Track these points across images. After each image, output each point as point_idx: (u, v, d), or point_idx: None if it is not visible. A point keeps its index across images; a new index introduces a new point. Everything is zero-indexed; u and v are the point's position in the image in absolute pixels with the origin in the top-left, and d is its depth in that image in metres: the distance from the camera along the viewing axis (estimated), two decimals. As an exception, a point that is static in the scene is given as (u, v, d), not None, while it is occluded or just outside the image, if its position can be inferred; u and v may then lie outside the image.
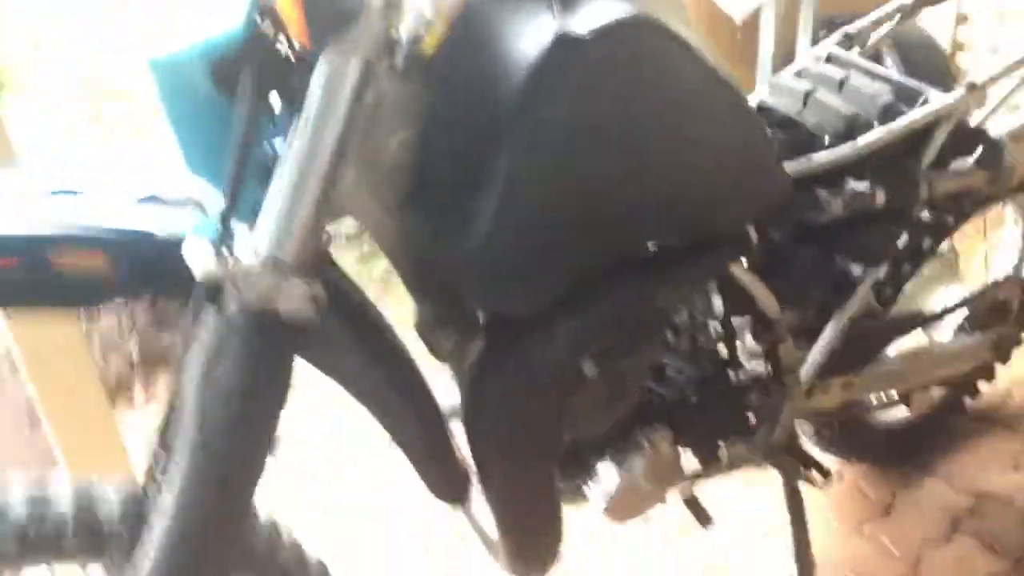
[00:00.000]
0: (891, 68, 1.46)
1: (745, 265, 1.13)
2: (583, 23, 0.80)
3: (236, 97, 0.72)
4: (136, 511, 0.87)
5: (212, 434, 0.77)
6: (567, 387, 1.00)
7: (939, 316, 1.47)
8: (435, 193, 0.87)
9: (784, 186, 1.07)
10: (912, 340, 1.50)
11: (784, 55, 1.69)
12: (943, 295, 1.62)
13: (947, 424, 1.75)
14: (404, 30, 0.69)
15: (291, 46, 0.71)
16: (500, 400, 0.97)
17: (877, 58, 1.49)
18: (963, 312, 1.52)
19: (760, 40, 2.89)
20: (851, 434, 1.62)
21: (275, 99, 0.74)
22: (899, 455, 1.70)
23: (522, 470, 1.02)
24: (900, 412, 1.66)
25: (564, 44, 0.79)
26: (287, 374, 0.80)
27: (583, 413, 1.05)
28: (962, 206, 1.35)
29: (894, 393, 1.52)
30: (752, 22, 2.79)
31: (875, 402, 1.57)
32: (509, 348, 0.94)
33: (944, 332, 1.62)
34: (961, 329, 1.56)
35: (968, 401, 1.74)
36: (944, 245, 1.45)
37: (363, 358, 0.91)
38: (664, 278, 1.00)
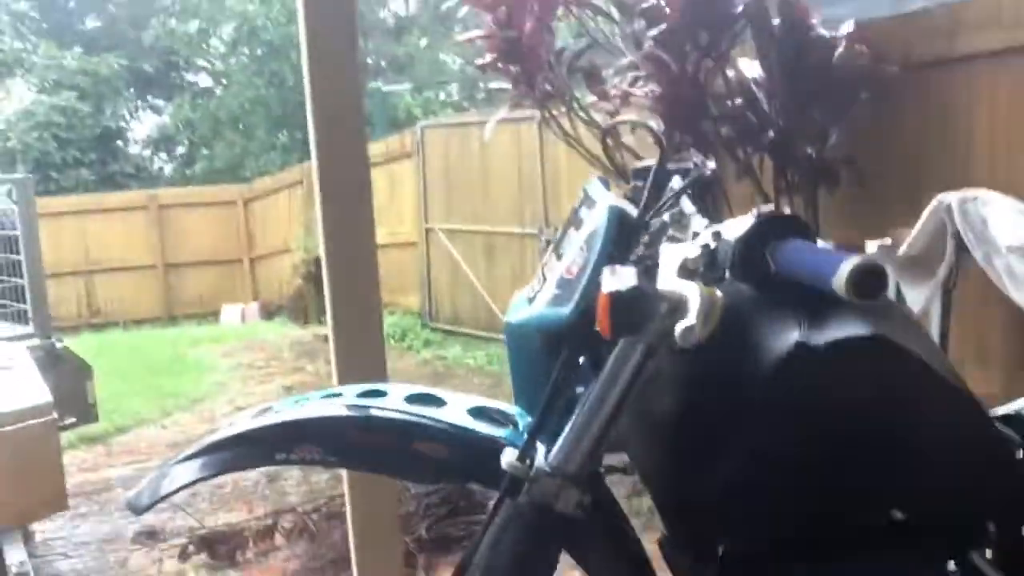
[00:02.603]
0: None
1: (990, 558, 1.19)
2: (823, 336, 0.99)
3: (557, 357, 1.03)
4: None
5: None
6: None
7: None
8: (691, 443, 1.10)
9: (1022, 489, 1.15)
10: None
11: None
12: None
13: None
14: (680, 327, 0.94)
15: (599, 331, 1.00)
16: None
17: None
18: None
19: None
20: None
21: (583, 361, 1.05)
22: None
23: None
24: None
25: (802, 351, 0.99)
26: (554, 558, 1.07)
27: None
28: None
29: None
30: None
31: None
32: None
33: None
34: None
35: None
36: None
37: (613, 561, 1.15)
38: (896, 550, 1.11)
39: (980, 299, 3.10)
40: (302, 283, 9.21)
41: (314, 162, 1.96)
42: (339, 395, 1.21)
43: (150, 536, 3.44)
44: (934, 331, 3.03)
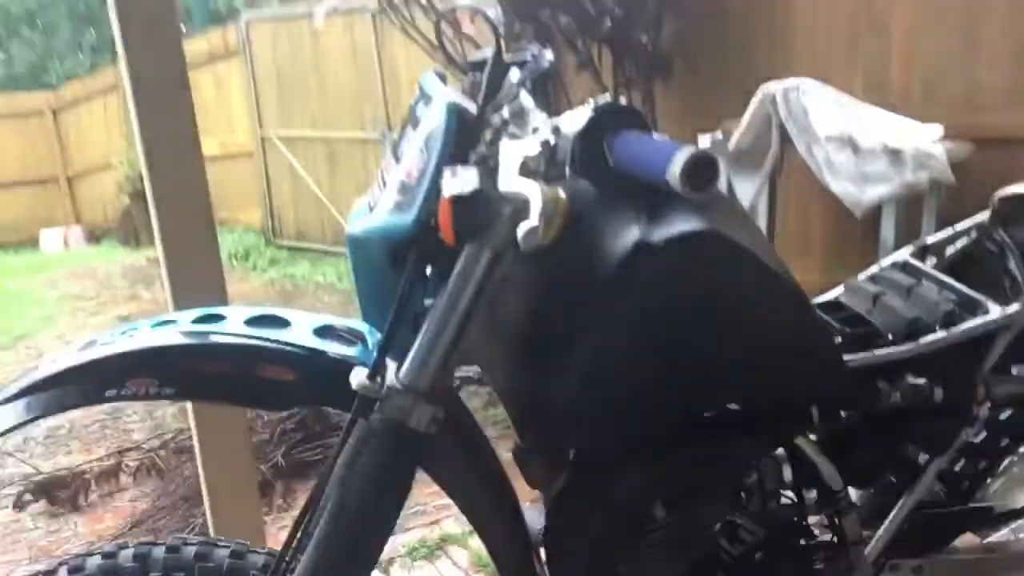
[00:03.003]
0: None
1: (813, 441, 1.27)
2: (660, 233, 1.01)
3: (402, 269, 1.00)
4: (276, 571, 1.10)
5: (346, 513, 1.03)
6: (638, 525, 1.18)
7: (1020, 514, 1.49)
8: (540, 349, 1.11)
9: (841, 374, 1.22)
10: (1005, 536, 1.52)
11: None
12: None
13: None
14: (522, 230, 0.92)
15: (444, 239, 0.97)
16: (578, 526, 1.17)
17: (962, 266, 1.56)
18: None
19: (881, 233, 3.00)
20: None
21: (430, 273, 1.01)
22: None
23: None
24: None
25: (641, 249, 1.00)
26: (409, 477, 1.05)
27: (652, 553, 1.20)
28: None
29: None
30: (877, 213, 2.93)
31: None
32: (591, 482, 1.14)
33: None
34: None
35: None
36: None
37: (468, 474, 1.15)
38: (730, 440, 1.18)
39: (805, 189, 3.28)
40: (130, 202, 8.54)
41: (122, 64, 1.76)
42: (173, 322, 1.13)
43: (-23, 488, 3.19)
44: (762, 222, 3.18)
